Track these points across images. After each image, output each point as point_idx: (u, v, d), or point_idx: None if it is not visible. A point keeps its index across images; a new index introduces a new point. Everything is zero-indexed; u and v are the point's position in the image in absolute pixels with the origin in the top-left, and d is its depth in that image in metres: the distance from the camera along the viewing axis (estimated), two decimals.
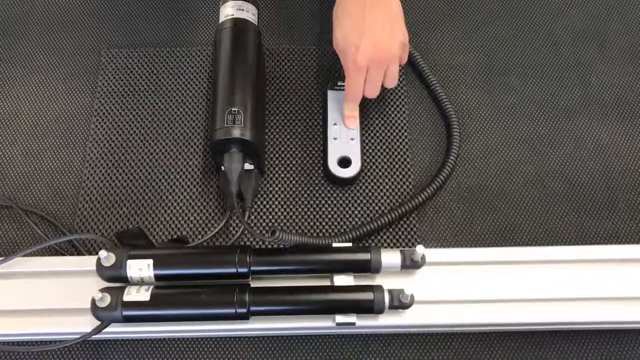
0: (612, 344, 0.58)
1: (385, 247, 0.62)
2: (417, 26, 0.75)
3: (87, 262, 0.56)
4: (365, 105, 0.69)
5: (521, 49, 0.74)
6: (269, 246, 0.61)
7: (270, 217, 0.64)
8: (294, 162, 0.67)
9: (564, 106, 0.70)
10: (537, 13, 0.76)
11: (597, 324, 0.57)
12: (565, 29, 0.75)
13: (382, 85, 0.63)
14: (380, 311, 0.53)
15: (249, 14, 0.66)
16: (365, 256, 0.55)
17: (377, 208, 0.64)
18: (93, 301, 0.52)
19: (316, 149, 0.67)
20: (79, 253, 0.61)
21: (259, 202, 0.64)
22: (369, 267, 0.55)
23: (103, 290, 0.53)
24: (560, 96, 0.71)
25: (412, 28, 0.74)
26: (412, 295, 0.53)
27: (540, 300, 0.56)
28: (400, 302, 0.53)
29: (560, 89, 0.71)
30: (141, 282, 0.54)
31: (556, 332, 0.58)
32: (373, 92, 0.63)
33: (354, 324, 0.54)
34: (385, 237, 0.63)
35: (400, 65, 0.63)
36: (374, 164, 0.66)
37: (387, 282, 0.56)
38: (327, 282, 0.56)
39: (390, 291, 0.53)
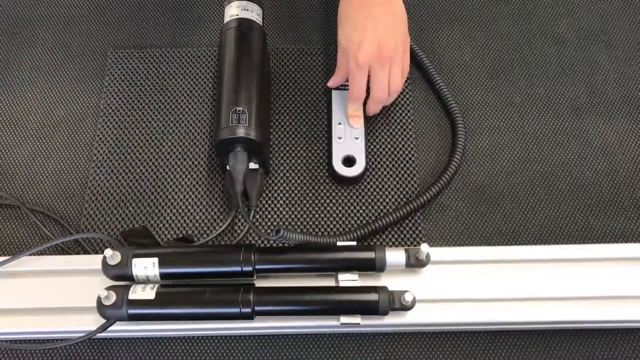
0: (620, 343, 0.58)
1: (390, 246, 0.62)
2: (422, 25, 0.75)
3: (93, 261, 0.57)
4: None
5: (527, 47, 0.73)
6: (274, 245, 0.61)
7: (275, 216, 0.64)
8: (298, 161, 0.67)
9: (570, 105, 0.70)
10: (543, 11, 0.76)
11: (603, 322, 0.56)
12: (571, 27, 0.75)
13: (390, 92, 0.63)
14: (385, 313, 0.53)
15: (254, 14, 0.67)
16: (370, 255, 0.55)
17: (381, 207, 0.64)
18: (99, 299, 0.52)
19: (321, 148, 0.67)
20: (85, 252, 0.61)
21: (263, 201, 0.64)
22: (374, 266, 0.55)
23: (109, 288, 0.53)
24: (566, 95, 0.71)
25: (417, 27, 0.74)
26: (413, 299, 0.53)
27: (547, 299, 0.56)
28: (401, 305, 0.53)
29: (567, 87, 0.71)
30: (146, 281, 0.54)
31: (563, 331, 0.58)
32: (381, 94, 0.63)
33: (358, 324, 0.54)
34: (390, 235, 0.63)
35: (405, 81, 0.64)
36: (378, 163, 0.66)
37: (391, 280, 0.56)
38: (331, 281, 0.56)
39: (391, 292, 0.53)
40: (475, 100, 0.70)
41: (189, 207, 0.64)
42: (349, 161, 0.64)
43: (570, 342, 0.58)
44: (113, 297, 0.52)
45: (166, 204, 0.64)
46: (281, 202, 0.64)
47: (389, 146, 0.67)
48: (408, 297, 0.52)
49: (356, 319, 0.54)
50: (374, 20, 0.60)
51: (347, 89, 0.66)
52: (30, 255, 0.58)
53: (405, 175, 0.66)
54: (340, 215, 0.64)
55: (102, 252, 0.53)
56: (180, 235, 0.62)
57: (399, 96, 0.69)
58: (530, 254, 0.58)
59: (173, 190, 0.65)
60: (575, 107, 0.70)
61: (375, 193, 0.65)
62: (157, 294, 0.53)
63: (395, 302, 0.53)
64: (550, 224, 0.63)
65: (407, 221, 0.63)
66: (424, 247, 0.54)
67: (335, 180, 0.65)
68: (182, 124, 0.69)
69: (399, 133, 0.68)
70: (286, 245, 0.56)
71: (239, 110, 0.60)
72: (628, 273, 0.57)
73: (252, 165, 0.62)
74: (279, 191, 0.65)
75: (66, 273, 0.58)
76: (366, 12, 0.60)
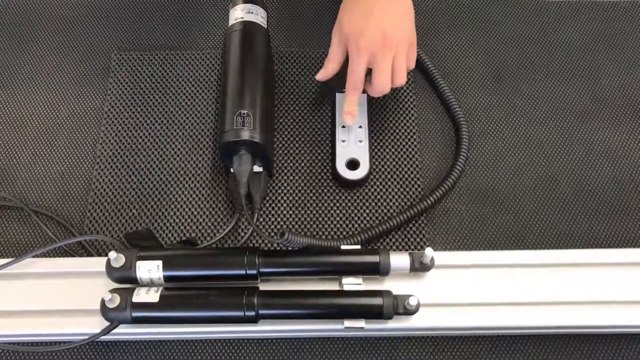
0: (624, 348, 0.58)
1: (394, 250, 0.62)
2: (425, 29, 0.74)
3: (97, 263, 0.56)
4: (374, 107, 0.69)
5: (531, 52, 0.73)
6: (278, 248, 0.61)
7: (279, 219, 0.64)
8: (302, 164, 0.67)
9: (574, 109, 0.70)
10: (547, 16, 0.76)
11: (607, 327, 0.56)
12: (575, 32, 0.75)
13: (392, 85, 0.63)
14: (389, 317, 0.53)
15: (259, 16, 0.67)
16: (374, 258, 0.55)
17: (385, 210, 0.64)
18: (102, 302, 0.52)
19: (325, 151, 0.67)
20: (89, 254, 0.61)
21: (267, 204, 0.64)
22: (378, 270, 0.55)
23: (112, 291, 0.53)
24: (570, 99, 0.71)
25: (420, 31, 0.74)
26: (418, 303, 0.52)
27: (550, 303, 0.56)
28: (405, 309, 0.53)
29: (571, 92, 0.71)
30: (150, 284, 0.54)
31: (567, 335, 0.58)
32: (383, 84, 0.61)
33: (362, 328, 0.54)
34: (394, 239, 0.63)
35: (408, 73, 0.63)
36: (382, 166, 0.66)
37: (395, 284, 0.56)
38: (335, 285, 0.56)
39: (395, 296, 0.53)
40: (479, 104, 0.70)
41: (193, 209, 0.64)
42: (352, 164, 0.64)
43: (574, 347, 0.58)
44: (117, 300, 0.52)
45: (170, 206, 0.64)
46: (285, 205, 0.64)
47: (392, 149, 0.67)
48: (412, 301, 0.52)
49: (360, 323, 0.54)
50: (380, 10, 0.60)
51: None
52: (33, 257, 0.57)
53: (409, 179, 0.66)
54: (344, 218, 0.64)
55: (106, 255, 0.54)
56: (184, 238, 0.62)
57: (402, 99, 0.69)
58: (534, 259, 0.58)
59: (177, 192, 0.65)
60: (580, 111, 0.70)
61: (379, 196, 0.65)
62: (161, 296, 0.53)
63: (399, 306, 0.53)
64: (554, 229, 0.63)
65: (411, 225, 0.63)
66: (428, 251, 0.54)
67: (339, 184, 0.65)
68: (186, 126, 0.69)
69: (403, 136, 0.68)
70: (290, 248, 0.56)
71: (244, 113, 0.60)
72: (632, 278, 0.57)
73: (256, 168, 0.62)
74: (282, 194, 0.65)
75: (70, 275, 0.57)
76: (373, 3, 0.60)
